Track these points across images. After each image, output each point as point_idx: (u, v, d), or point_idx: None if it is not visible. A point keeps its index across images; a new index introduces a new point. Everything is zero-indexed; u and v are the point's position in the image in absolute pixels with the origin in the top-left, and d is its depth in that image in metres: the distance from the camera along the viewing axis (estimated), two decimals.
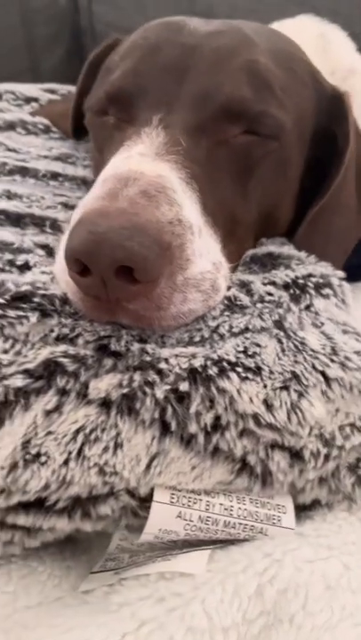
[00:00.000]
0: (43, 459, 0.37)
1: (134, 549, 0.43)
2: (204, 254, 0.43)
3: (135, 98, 0.49)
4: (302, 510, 0.43)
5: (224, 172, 0.48)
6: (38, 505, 0.39)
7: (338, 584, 0.36)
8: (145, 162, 0.42)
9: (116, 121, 0.51)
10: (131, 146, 0.44)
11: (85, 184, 0.62)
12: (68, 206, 0.57)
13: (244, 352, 0.42)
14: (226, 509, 0.40)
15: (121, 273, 0.37)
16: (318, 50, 0.69)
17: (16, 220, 0.52)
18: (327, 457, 0.41)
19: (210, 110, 0.47)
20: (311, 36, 0.71)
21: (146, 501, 0.40)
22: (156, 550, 0.42)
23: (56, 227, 0.52)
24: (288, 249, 0.54)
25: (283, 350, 0.43)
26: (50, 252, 0.49)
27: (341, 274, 0.53)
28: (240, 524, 0.40)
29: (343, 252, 0.64)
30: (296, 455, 0.41)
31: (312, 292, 0.49)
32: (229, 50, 0.49)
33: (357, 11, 0.98)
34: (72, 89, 0.86)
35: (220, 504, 0.40)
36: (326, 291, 0.50)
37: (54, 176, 0.62)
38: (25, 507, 0.39)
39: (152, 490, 0.39)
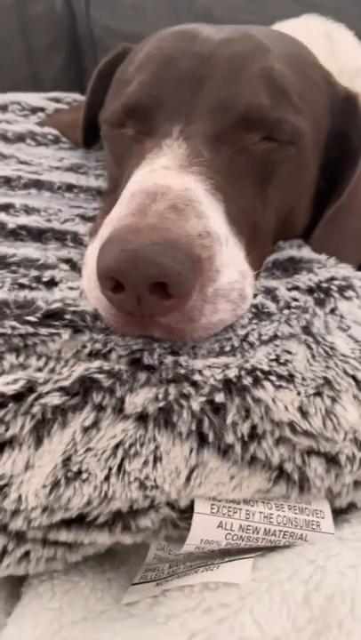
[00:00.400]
0: (84, 475, 0.38)
1: (173, 559, 0.43)
2: (232, 264, 0.43)
3: (153, 110, 0.49)
4: (339, 514, 0.44)
5: (245, 179, 0.48)
6: (79, 520, 0.39)
7: None
8: (170, 175, 0.42)
9: (134, 133, 0.51)
10: (153, 159, 0.44)
11: (100, 194, 0.62)
12: (86, 218, 0.57)
13: (276, 360, 0.42)
14: (265, 517, 0.40)
15: (155, 289, 0.37)
16: (325, 50, 0.69)
17: (38, 235, 0.52)
18: None
19: (229, 119, 0.47)
20: (317, 35, 0.71)
21: (185, 512, 0.40)
22: (195, 560, 0.42)
23: (77, 240, 0.52)
24: (308, 252, 0.55)
25: (313, 356, 0.43)
26: (73, 265, 0.49)
27: None
28: (280, 531, 0.40)
29: (359, 252, 0.64)
30: (332, 460, 0.41)
31: (336, 295, 0.49)
32: (244, 57, 0.49)
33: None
34: (77, 97, 0.86)
35: (260, 512, 0.40)
36: (349, 293, 0.51)
37: (69, 188, 0.62)
38: (66, 523, 0.39)
39: (192, 501, 0.40)
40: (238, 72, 0.48)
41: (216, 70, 0.48)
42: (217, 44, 0.50)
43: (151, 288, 0.37)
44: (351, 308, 0.50)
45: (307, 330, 0.45)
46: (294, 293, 0.48)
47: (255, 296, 0.47)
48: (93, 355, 0.41)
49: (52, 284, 0.46)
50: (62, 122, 0.75)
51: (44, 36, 1.14)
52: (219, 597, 0.37)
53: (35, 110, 0.81)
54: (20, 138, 0.71)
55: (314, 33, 0.73)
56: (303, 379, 0.41)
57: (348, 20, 0.88)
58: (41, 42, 1.13)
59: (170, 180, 0.41)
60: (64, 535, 0.39)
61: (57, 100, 0.85)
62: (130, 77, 0.51)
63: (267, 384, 0.40)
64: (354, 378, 0.43)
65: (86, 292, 0.44)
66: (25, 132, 0.72)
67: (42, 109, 0.81)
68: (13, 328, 0.41)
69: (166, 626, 0.36)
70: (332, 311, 0.49)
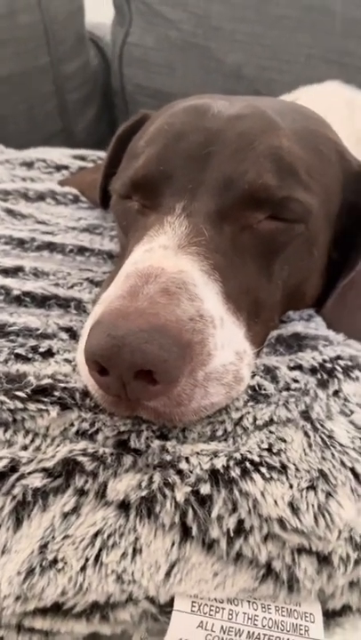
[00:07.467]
0: (59, 565, 0.36)
1: None
2: (227, 345, 0.42)
3: (159, 185, 0.49)
4: (332, 617, 0.41)
5: (248, 257, 0.48)
6: (55, 609, 0.38)
7: None
8: (167, 256, 0.41)
9: (140, 207, 0.51)
10: (153, 237, 0.44)
11: (111, 258, 0.63)
12: (94, 282, 0.58)
13: (269, 449, 0.40)
14: (250, 619, 0.38)
15: (140, 374, 0.36)
16: (345, 116, 0.69)
17: (41, 302, 0.52)
18: (358, 562, 0.39)
19: (232, 197, 0.47)
20: (340, 102, 0.71)
21: (165, 607, 0.38)
22: None
23: (81, 307, 0.52)
24: (315, 328, 0.53)
25: (310, 445, 0.41)
26: (73, 335, 0.49)
27: None
28: (265, 634, 0.38)
29: None
30: (324, 560, 0.38)
31: (340, 375, 0.48)
32: (252, 135, 0.49)
33: None
34: (101, 154, 0.88)
35: (244, 613, 0.38)
36: (356, 373, 0.49)
37: (80, 250, 0.62)
38: (42, 610, 0.38)
39: (172, 597, 0.38)
40: (245, 150, 0.48)
41: (224, 147, 0.48)
42: (227, 120, 0.50)
43: (136, 374, 0.36)
44: (357, 388, 0.48)
45: (305, 415, 0.44)
46: (296, 373, 0.47)
47: (253, 376, 0.46)
48: (80, 434, 0.41)
49: (48, 354, 0.46)
50: (83, 182, 0.77)
51: (77, 92, 1.18)
52: None
53: (59, 168, 0.83)
54: (41, 197, 0.73)
55: (337, 99, 0.73)
56: (297, 470, 0.40)
57: None
58: (74, 97, 1.17)
59: (164, 262, 0.41)
60: (39, 623, 0.38)
61: (82, 158, 0.87)
62: (140, 151, 0.51)
63: (256, 476, 0.38)
64: (352, 470, 0.41)
65: (79, 367, 0.44)
66: (46, 192, 0.74)
67: (66, 167, 0.83)
68: (2, 403, 0.41)
69: None
70: (336, 393, 0.47)
